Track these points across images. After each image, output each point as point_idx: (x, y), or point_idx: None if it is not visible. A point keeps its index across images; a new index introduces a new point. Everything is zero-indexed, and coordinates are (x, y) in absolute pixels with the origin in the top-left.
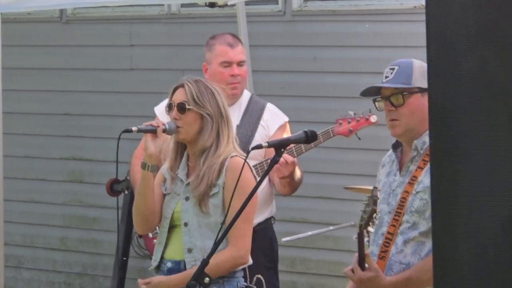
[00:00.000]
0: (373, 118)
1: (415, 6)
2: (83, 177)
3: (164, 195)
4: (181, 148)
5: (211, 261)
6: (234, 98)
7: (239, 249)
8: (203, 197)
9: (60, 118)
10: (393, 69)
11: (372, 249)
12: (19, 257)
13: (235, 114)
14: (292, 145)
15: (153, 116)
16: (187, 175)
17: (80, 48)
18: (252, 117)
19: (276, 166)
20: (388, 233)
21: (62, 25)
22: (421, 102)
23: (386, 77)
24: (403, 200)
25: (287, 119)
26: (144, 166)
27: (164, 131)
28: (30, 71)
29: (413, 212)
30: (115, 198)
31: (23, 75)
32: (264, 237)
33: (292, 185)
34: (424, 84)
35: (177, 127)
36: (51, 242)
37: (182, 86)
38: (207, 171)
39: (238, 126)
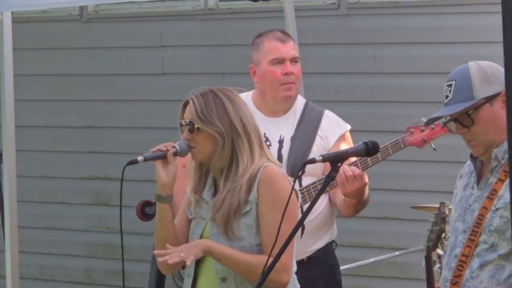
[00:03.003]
0: (452, 125)
1: None
2: (109, 199)
3: (190, 220)
4: (205, 166)
5: (246, 256)
6: (288, 102)
7: (280, 264)
8: (228, 221)
9: (82, 132)
10: (450, 85)
11: (444, 273)
12: None
13: (289, 123)
14: (355, 158)
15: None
16: (213, 196)
17: (103, 50)
18: (309, 126)
19: (342, 179)
20: (463, 255)
21: (83, 24)
22: (492, 111)
23: (447, 96)
24: (480, 218)
25: (348, 128)
26: (158, 198)
27: (176, 154)
28: (46, 78)
29: (492, 231)
30: (147, 223)
31: (38, 82)
32: (324, 265)
33: (357, 206)
34: (488, 91)
35: (190, 147)
36: (73, 274)
37: (188, 102)
38: (228, 195)
39: (292, 138)
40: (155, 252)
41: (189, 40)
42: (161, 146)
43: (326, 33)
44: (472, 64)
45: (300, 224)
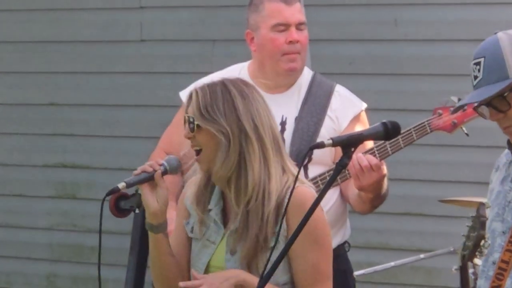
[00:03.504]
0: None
1: None
2: (76, 191)
3: (190, 238)
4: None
5: None
6: (292, 75)
7: None
8: (255, 256)
9: (43, 111)
10: (478, 63)
11: (480, 283)
12: None
13: (293, 101)
14: (372, 144)
15: (177, 106)
16: (223, 214)
17: (69, 13)
18: (316, 105)
19: (356, 170)
20: (502, 261)
21: None
22: None
23: (475, 77)
24: None
25: (364, 106)
26: (150, 228)
27: (164, 173)
28: None
29: None
30: (123, 220)
31: None
32: (335, 271)
33: (374, 202)
34: None
35: (197, 150)
36: (34, 281)
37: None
38: (252, 221)
39: (297, 118)
40: (181, 284)
41: (172, 0)
42: (146, 167)
43: None
44: (502, 35)
45: (302, 226)
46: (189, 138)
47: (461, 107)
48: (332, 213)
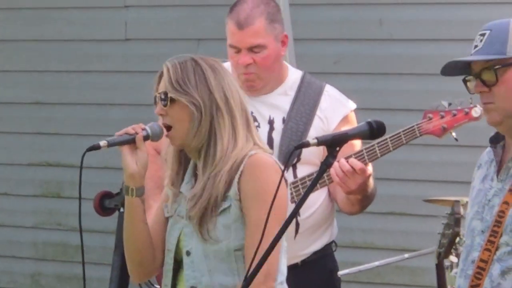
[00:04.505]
0: (476, 112)
1: None
2: (61, 190)
3: (167, 219)
4: (185, 155)
5: None
6: (253, 91)
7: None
8: (203, 219)
9: (28, 109)
10: (483, 34)
11: (460, 282)
12: None
13: (282, 101)
14: (360, 148)
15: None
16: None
17: (53, 11)
18: (305, 105)
19: (339, 177)
20: (481, 260)
21: None
22: None
23: (476, 46)
24: (501, 215)
25: (353, 107)
26: (127, 190)
27: (146, 138)
28: None
29: None
30: (107, 219)
31: None
32: (322, 269)
33: (363, 202)
34: None
35: (167, 128)
36: (18, 280)
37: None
38: (208, 186)
39: (285, 119)
40: None
41: None
42: (129, 129)
43: None
44: None
45: (291, 220)
46: (161, 115)
47: (451, 66)
48: (320, 213)
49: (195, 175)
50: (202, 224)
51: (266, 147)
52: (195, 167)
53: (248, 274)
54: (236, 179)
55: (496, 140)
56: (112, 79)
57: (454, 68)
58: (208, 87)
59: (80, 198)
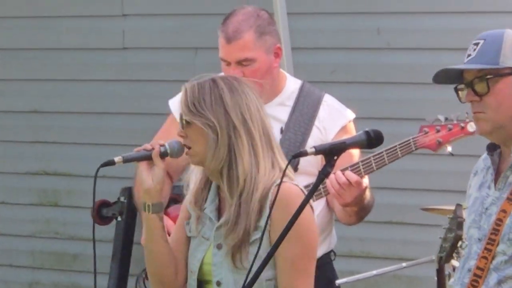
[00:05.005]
0: (472, 127)
1: None
2: (58, 199)
3: (189, 238)
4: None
5: None
6: None
7: None
8: (237, 247)
9: (26, 118)
10: (477, 44)
11: None
12: None
13: (279, 111)
14: (358, 154)
15: (164, 114)
16: (218, 211)
17: (51, 20)
18: (304, 115)
19: (335, 190)
20: (478, 268)
21: None
22: None
23: (469, 55)
24: (498, 223)
25: (351, 117)
26: (144, 206)
27: (165, 154)
28: None
29: None
30: (105, 227)
31: None
32: (320, 279)
33: (360, 213)
34: None
35: (187, 147)
36: None
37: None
38: (242, 209)
39: (283, 129)
40: None
41: (155, 8)
42: (147, 145)
43: (319, 0)
44: (509, 31)
45: (286, 232)
46: (182, 137)
47: (442, 74)
48: (318, 222)
49: (218, 195)
50: (235, 253)
51: (292, 174)
52: (218, 187)
53: None
54: (266, 209)
55: (493, 148)
56: (110, 88)
57: (446, 76)
58: (224, 107)
59: (94, 212)
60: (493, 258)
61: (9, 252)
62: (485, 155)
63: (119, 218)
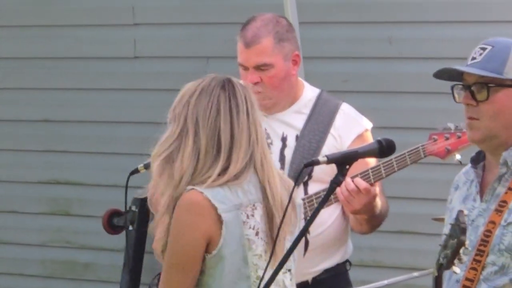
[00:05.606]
0: None
1: None
2: (69, 208)
3: None
4: None
5: None
6: (266, 109)
7: None
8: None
9: (37, 127)
10: (484, 49)
11: None
12: None
13: (296, 119)
14: (368, 167)
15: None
16: None
17: (63, 29)
18: (319, 123)
19: (344, 196)
20: (467, 279)
21: None
22: None
23: (473, 58)
24: (487, 234)
25: (368, 126)
26: None
27: None
28: None
29: (503, 250)
30: (116, 237)
31: None
32: None
33: (371, 222)
34: None
35: None
36: None
37: None
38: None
39: (299, 136)
40: None
41: (166, 17)
42: None
43: (331, 9)
44: None
45: (299, 240)
46: None
47: (444, 72)
48: (332, 230)
49: None
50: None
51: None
52: None
53: None
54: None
55: (477, 160)
56: (121, 97)
57: (447, 73)
58: (188, 106)
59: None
60: (482, 269)
61: (20, 261)
62: (466, 168)
63: (130, 228)
